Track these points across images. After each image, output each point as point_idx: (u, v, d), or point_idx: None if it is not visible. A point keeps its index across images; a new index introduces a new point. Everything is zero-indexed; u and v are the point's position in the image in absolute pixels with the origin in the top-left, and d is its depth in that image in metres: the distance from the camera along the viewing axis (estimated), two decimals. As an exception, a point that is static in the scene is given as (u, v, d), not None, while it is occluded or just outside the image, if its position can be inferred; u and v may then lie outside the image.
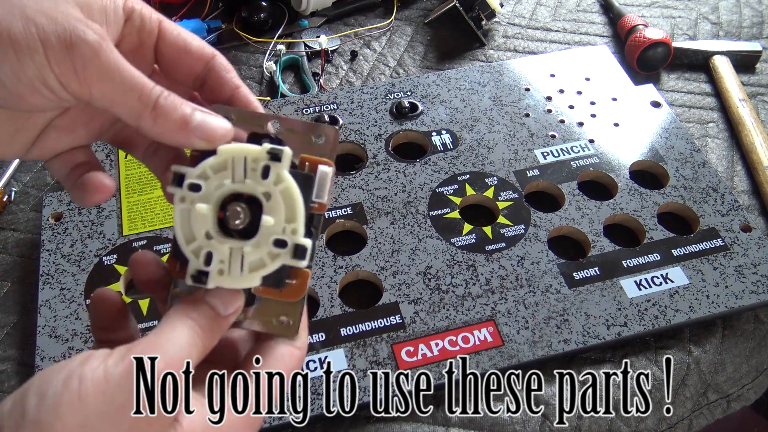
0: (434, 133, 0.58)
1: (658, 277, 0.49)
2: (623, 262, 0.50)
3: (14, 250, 0.53)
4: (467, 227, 0.52)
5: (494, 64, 0.65)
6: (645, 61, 0.68)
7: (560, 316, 0.47)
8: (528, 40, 0.73)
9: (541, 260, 0.50)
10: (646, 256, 0.50)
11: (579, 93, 0.62)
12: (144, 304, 0.47)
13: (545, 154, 0.57)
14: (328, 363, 0.44)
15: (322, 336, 0.46)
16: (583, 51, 0.66)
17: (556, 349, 0.45)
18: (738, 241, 0.51)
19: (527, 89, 0.62)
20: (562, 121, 0.59)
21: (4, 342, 0.48)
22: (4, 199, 0.56)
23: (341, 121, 0.59)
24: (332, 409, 0.42)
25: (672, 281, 0.49)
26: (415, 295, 0.48)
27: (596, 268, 0.49)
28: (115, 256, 0.50)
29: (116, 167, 0.56)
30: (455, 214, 0.53)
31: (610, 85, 0.63)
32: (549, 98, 0.61)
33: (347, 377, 0.44)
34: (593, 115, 0.60)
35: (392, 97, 0.61)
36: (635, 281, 0.49)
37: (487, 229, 0.52)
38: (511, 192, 0.54)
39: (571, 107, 0.60)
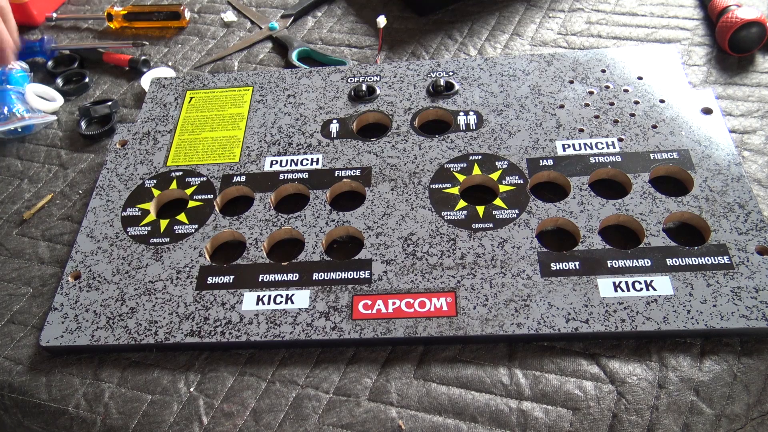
0: (461, 113, 0.60)
1: (639, 282, 0.46)
2: (608, 261, 0.48)
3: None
4: (461, 204, 0.53)
5: (545, 54, 0.64)
6: (737, 42, 0.63)
7: (522, 301, 0.47)
8: (612, 26, 0.71)
9: (522, 245, 0.50)
10: (635, 260, 0.48)
11: (625, 91, 0.59)
12: (164, 223, 0.55)
13: (566, 146, 0.56)
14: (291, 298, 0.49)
15: (296, 276, 0.50)
16: (650, 49, 0.63)
17: (506, 331, 0.45)
18: (747, 262, 0.47)
19: (571, 81, 0.61)
20: (597, 117, 0.57)
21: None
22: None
23: (378, 91, 0.63)
24: (286, 339, 0.47)
25: (654, 289, 0.46)
26: (390, 256, 0.50)
27: (577, 263, 0.48)
28: (154, 181, 0.58)
29: (179, 108, 0.65)
30: (454, 190, 0.54)
31: (662, 87, 0.59)
32: (591, 93, 0.60)
33: (304, 314, 0.48)
34: (632, 114, 0.57)
35: (434, 76, 0.64)
36: (613, 282, 0.47)
37: (480, 209, 0.52)
38: (517, 177, 0.54)
39: (611, 104, 0.58)
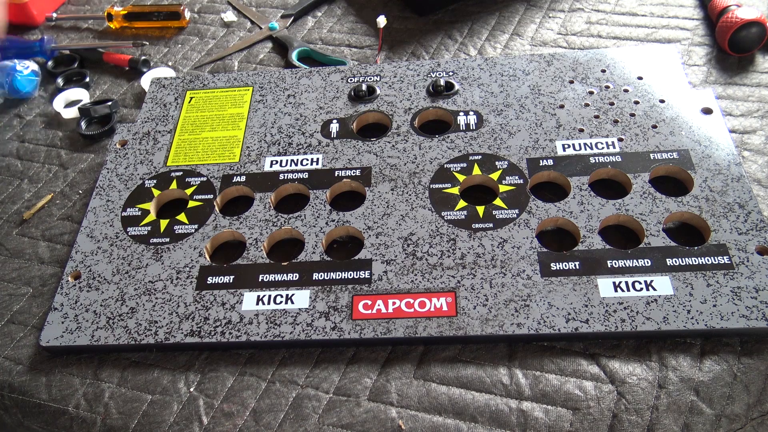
0: (461, 113, 0.60)
1: (639, 282, 0.46)
2: (608, 261, 0.48)
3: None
4: (461, 204, 0.53)
5: (545, 54, 0.64)
6: (737, 42, 0.63)
7: (522, 301, 0.47)
8: (612, 26, 0.71)
9: (522, 245, 0.50)
10: (635, 260, 0.48)
11: (625, 91, 0.59)
12: (164, 223, 0.55)
13: (566, 146, 0.56)
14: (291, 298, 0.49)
15: (296, 276, 0.50)
16: (650, 49, 0.63)
17: (506, 331, 0.45)
18: (748, 262, 0.47)
19: (571, 81, 0.61)
20: (597, 117, 0.57)
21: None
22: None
23: (378, 92, 0.63)
24: (286, 338, 0.47)
25: (654, 289, 0.46)
26: (390, 256, 0.50)
27: (577, 263, 0.48)
28: (154, 181, 0.58)
29: (179, 108, 0.65)
30: (455, 190, 0.54)
31: (662, 87, 0.59)
32: (591, 93, 0.60)
33: (304, 314, 0.48)
34: (632, 114, 0.57)
35: (434, 76, 0.64)
36: (613, 282, 0.47)
37: (480, 209, 0.52)
38: (517, 177, 0.54)
39: (611, 104, 0.58)
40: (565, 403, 0.43)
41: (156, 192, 0.58)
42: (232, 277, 0.51)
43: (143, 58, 0.75)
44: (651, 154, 0.54)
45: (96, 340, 0.48)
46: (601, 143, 0.55)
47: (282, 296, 0.49)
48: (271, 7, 0.82)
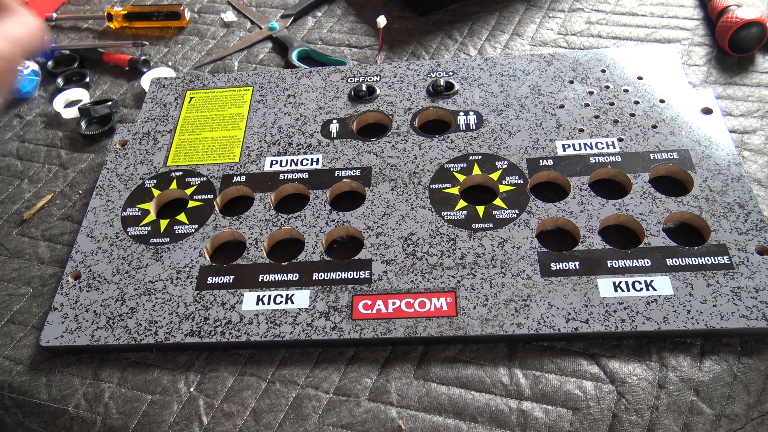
0: (461, 113, 0.60)
1: (639, 282, 0.46)
2: (608, 261, 0.48)
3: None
4: (461, 204, 0.53)
5: (545, 54, 0.64)
6: (737, 42, 0.63)
7: (522, 301, 0.47)
8: (612, 26, 0.71)
9: (522, 245, 0.50)
10: (635, 260, 0.48)
11: (625, 91, 0.59)
12: (164, 222, 0.55)
13: (566, 146, 0.56)
14: (291, 298, 0.49)
15: (296, 276, 0.50)
16: (650, 49, 0.63)
17: (506, 331, 0.45)
18: (748, 262, 0.47)
19: (571, 81, 0.61)
20: (597, 117, 0.57)
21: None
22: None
23: (378, 92, 0.63)
24: (286, 338, 0.47)
25: (654, 289, 0.46)
26: (390, 256, 0.50)
27: (577, 263, 0.48)
28: (154, 181, 0.58)
29: (179, 108, 0.65)
30: (455, 190, 0.54)
31: (662, 87, 0.59)
32: (591, 93, 0.60)
33: (304, 314, 0.48)
34: (632, 115, 0.57)
35: (434, 76, 0.64)
36: (613, 282, 0.47)
37: (480, 209, 0.52)
38: (517, 177, 0.54)
39: (611, 104, 0.58)
40: (565, 403, 0.43)
41: (156, 192, 0.58)
42: (232, 277, 0.51)
43: (143, 58, 0.75)
44: (651, 154, 0.54)
45: (96, 340, 0.48)
46: (601, 143, 0.55)
47: (282, 296, 0.49)
48: (271, 7, 0.82)
